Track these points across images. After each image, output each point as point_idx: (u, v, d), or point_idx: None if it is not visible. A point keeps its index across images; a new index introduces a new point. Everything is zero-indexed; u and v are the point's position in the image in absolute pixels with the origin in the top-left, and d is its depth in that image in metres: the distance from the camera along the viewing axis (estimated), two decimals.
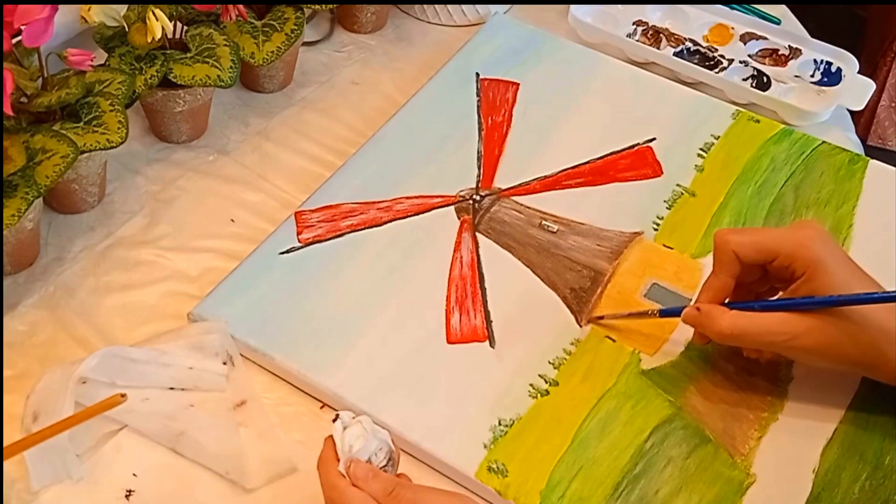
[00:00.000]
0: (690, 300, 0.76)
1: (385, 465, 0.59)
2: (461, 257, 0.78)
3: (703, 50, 0.98)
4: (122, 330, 0.74)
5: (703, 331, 0.69)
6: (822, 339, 0.65)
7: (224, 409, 0.69)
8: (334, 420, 0.59)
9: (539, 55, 0.96)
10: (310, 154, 0.88)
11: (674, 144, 0.88)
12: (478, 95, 0.92)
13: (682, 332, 0.74)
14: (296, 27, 0.87)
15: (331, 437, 0.59)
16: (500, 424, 0.68)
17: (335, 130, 0.91)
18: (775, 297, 0.70)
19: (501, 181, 0.84)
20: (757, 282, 0.70)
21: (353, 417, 0.59)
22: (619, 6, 1.01)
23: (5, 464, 0.64)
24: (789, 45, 0.98)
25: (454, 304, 0.75)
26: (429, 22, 1.03)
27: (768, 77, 0.96)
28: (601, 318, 0.74)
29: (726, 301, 0.69)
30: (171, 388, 0.69)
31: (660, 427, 0.69)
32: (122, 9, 0.79)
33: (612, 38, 0.99)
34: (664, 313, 0.72)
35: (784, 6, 1.07)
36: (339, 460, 0.58)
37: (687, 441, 0.68)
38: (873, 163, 0.88)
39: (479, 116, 0.90)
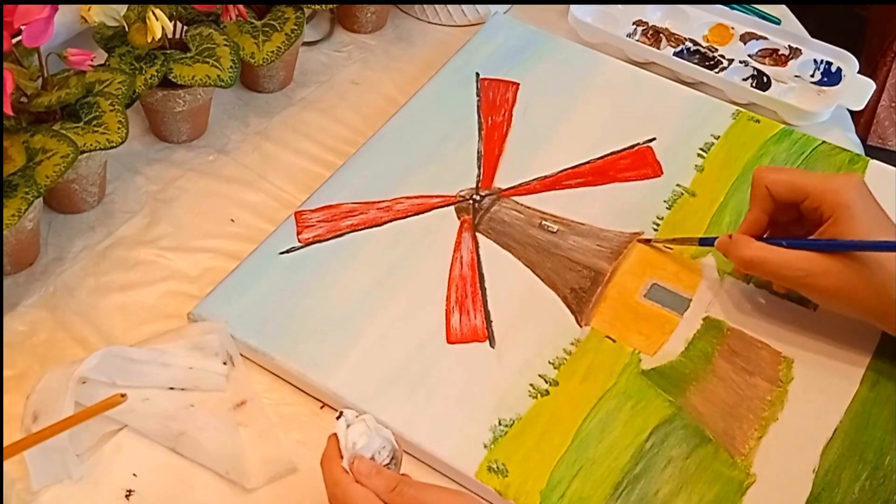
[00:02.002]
0: (690, 300, 0.76)
1: (388, 464, 0.59)
2: (461, 257, 0.78)
3: (703, 50, 0.98)
4: (122, 330, 0.74)
5: (730, 257, 0.73)
6: (837, 281, 0.67)
7: (224, 409, 0.69)
8: (338, 417, 0.59)
9: (539, 55, 0.96)
10: (310, 154, 0.88)
11: (674, 144, 0.88)
12: (478, 95, 0.92)
13: (682, 333, 0.74)
14: (296, 27, 0.87)
15: (334, 434, 0.59)
16: (500, 424, 0.68)
17: (335, 130, 0.91)
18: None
19: (501, 181, 0.84)
20: (794, 223, 0.73)
21: (357, 415, 0.59)
22: (619, 6, 1.01)
23: (5, 464, 0.64)
24: (789, 45, 0.98)
25: (454, 304, 0.75)
26: (429, 22, 1.03)
27: (768, 77, 0.96)
28: (648, 241, 0.79)
29: (764, 237, 0.72)
30: (171, 388, 0.69)
31: (660, 427, 0.69)
32: (122, 9, 0.79)
33: (612, 38, 0.98)
34: (703, 242, 0.76)
35: (784, 6, 1.07)
36: (342, 457, 0.58)
37: (687, 441, 0.68)
38: (873, 163, 0.88)
39: (479, 116, 0.90)
